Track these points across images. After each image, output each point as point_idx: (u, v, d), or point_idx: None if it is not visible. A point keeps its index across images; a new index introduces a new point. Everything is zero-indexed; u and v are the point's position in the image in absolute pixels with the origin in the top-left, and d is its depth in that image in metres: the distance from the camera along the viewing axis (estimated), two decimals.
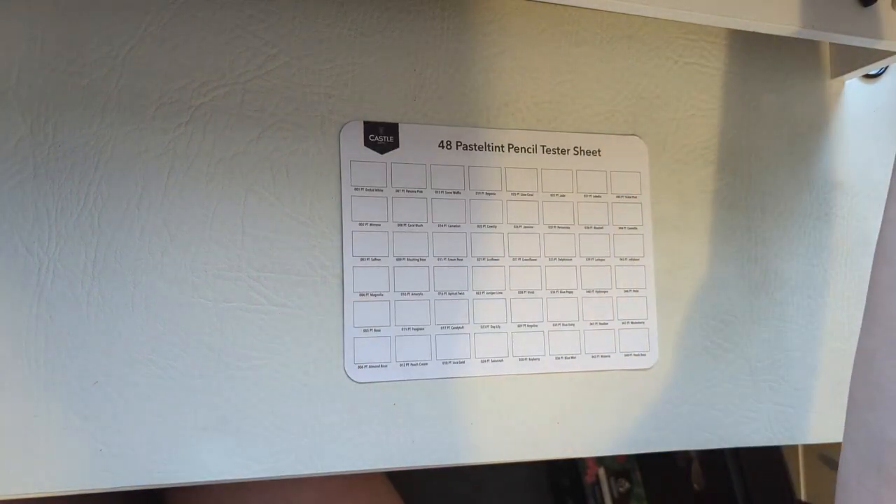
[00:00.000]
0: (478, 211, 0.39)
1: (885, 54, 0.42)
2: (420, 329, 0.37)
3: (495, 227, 0.39)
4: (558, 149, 0.40)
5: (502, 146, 0.40)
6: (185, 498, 0.45)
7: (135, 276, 0.34)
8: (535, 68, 0.41)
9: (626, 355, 0.40)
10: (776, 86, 0.45)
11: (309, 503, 0.43)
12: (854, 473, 0.29)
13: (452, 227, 0.38)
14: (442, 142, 0.39)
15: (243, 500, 0.43)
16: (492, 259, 0.39)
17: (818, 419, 0.43)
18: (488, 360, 0.38)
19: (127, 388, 0.33)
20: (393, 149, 0.38)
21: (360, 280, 0.37)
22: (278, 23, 0.37)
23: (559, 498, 0.92)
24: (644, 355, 0.41)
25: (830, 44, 0.47)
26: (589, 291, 0.40)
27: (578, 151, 0.41)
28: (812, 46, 0.46)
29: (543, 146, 0.40)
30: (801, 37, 0.37)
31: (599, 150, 0.41)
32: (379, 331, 0.37)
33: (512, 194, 0.39)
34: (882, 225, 0.31)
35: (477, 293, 0.38)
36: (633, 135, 0.42)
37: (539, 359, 0.39)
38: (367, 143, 0.37)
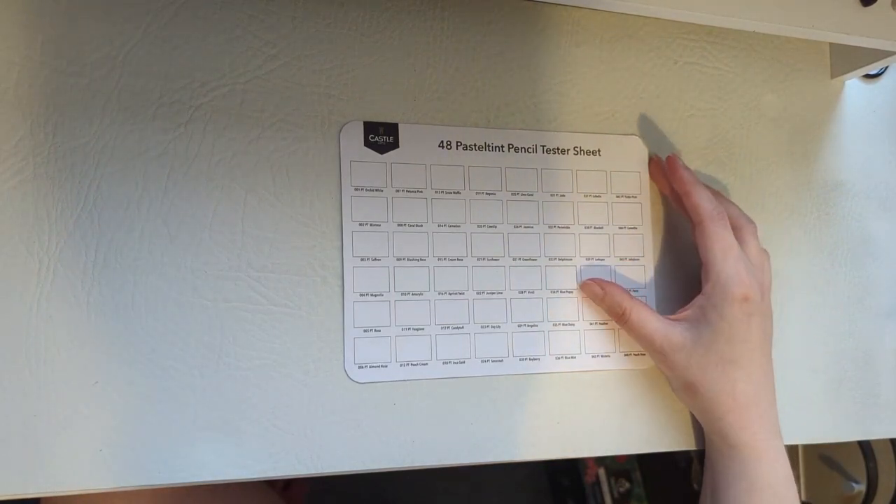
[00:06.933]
0: (478, 211, 0.39)
1: (885, 54, 0.42)
2: (420, 329, 0.37)
3: (495, 227, 0.39)
4: (558, 149, 0.40)
5: (502, 146, 0.40)
6: None
7: (135, 276, 0.34)
8: (535, 68, 0.41)
9: (626, 355, 0.40)
10: (776, 86, 0.45)
11: None
12: None
13: (452, 227, 0.38)
14: (442, 142, 0.39)
15: None
16: (492, 259, 0.39)
17: (818, 419, 0.43)
18: (488, 360, 0.38)
19: (127, 388, 0.33)
20: (393, 149, 0.38)
21: (360, 280, 0.37)
22: (278, 23, 0.37)
23: (559, 498, 0.92)
24: (644, 355, 0.41)
25: (830, 44, 0.47)
26: None
27: (578, 151, 0.41)
28: (812, 46, 0.46)
29: (543, 146, 0.40)
30: (801, 37, 0.37)
31: (599, 150, 0.41)
32: (379, 331, 0.37)
33: (512, 194, 0.39)
34: None
35: (477, 293, 0.38)
36: (633, 135, 0.42)
37: (539, 359, 0.39)
38: (367, 143, 0.37)
